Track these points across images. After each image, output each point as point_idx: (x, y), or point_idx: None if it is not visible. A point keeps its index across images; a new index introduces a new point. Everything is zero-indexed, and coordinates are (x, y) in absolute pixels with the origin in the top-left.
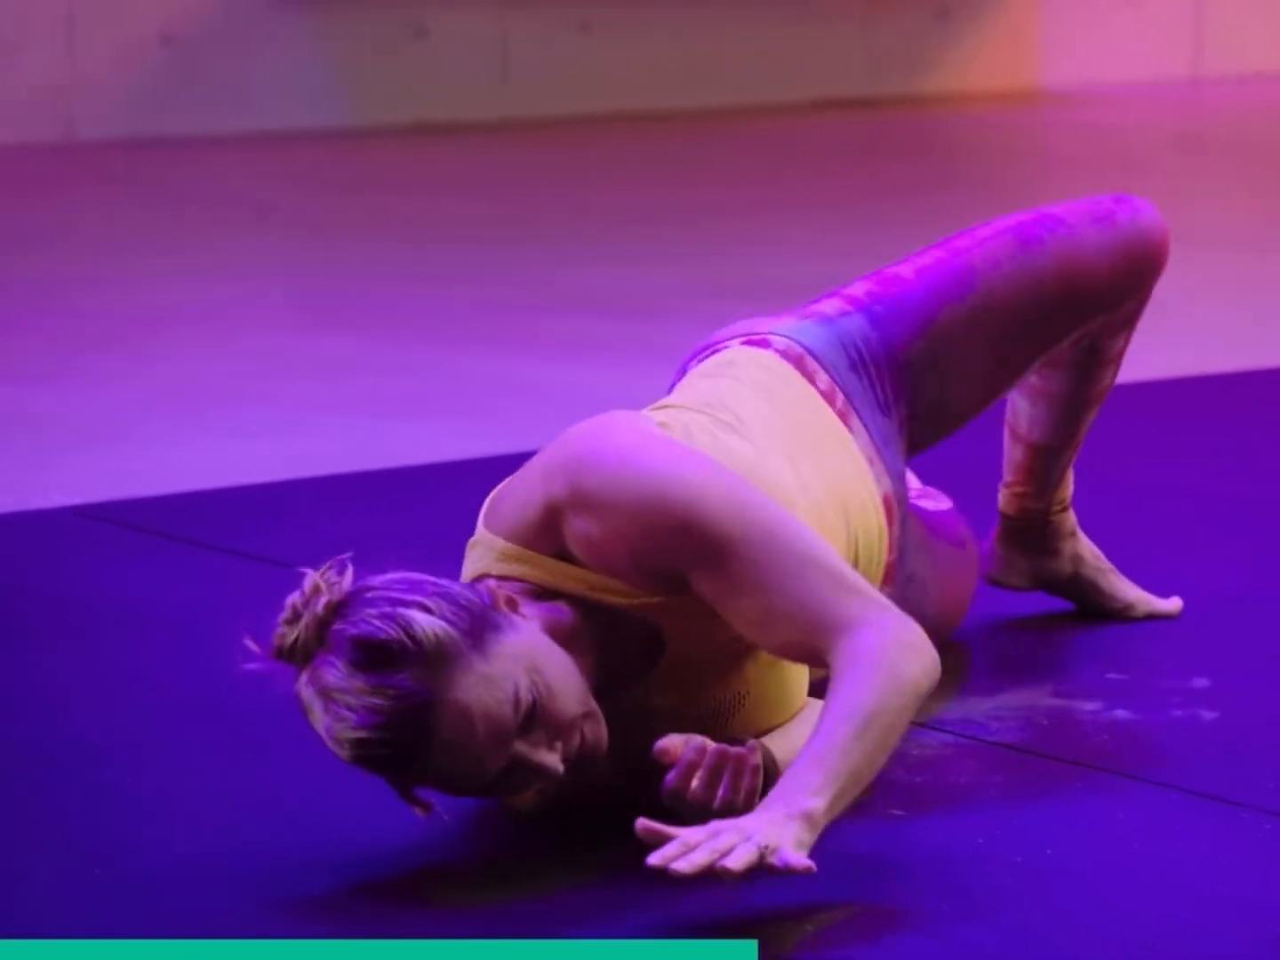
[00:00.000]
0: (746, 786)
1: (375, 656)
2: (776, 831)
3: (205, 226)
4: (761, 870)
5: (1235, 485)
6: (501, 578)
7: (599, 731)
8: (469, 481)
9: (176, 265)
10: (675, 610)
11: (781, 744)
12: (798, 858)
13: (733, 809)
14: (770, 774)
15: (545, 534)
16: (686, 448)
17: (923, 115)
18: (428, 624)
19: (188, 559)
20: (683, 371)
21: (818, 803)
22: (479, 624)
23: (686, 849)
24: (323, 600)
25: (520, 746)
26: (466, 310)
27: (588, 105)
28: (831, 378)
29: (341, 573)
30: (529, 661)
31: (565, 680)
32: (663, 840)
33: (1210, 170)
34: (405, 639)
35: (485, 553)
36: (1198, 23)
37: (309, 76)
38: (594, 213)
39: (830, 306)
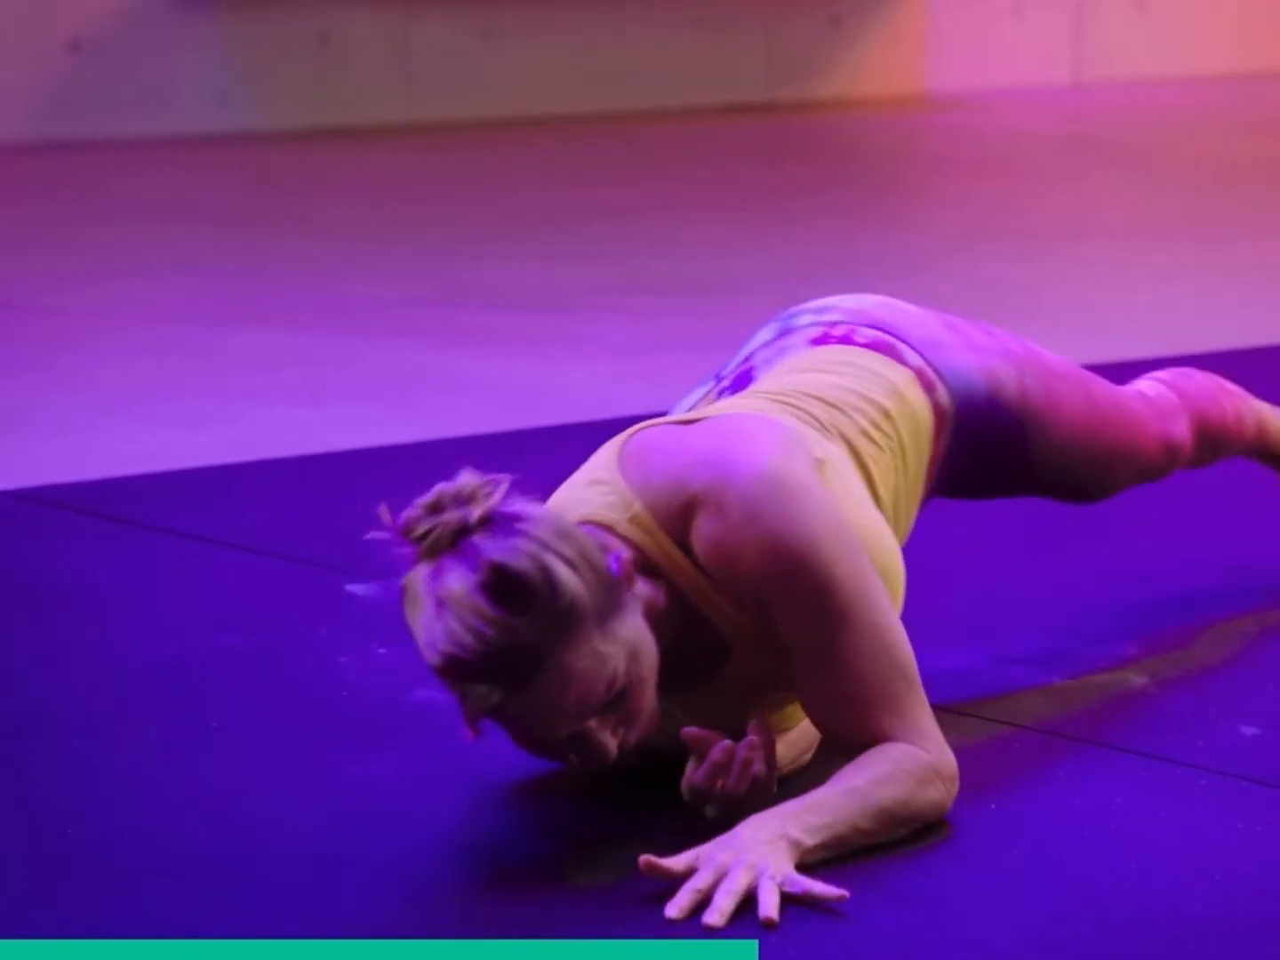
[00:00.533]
0: (755, 775)
1: (509, 590)
2: (780, 861)
3: (119, 226)
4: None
5: None
6: (624, 538)
7: (652, 726)
8: (400, 464)
9: (94, 265)
10: (749, 638)
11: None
12: (826, 888)
13: (744, 799)
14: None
15: (678, 518)
16: (831, 505)
17: (817, 119)
18: (569, 582)
19: (128, 540)
20: (787, 332)
21: (810, 843)
22: (608, 598)
23: (701, 896)
24: (476, 511)
25: (593, 724)
26: (386, 305)
27: (490, 110)
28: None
29: (497, 489)
30: (633, 648)
31: (653, 674)
32: (665, 875)
33: (1090, 168)
34: (545, 588)
35: (618, 506)
36: (1078, 31)
37: (215, 81)
38: (502, 213)
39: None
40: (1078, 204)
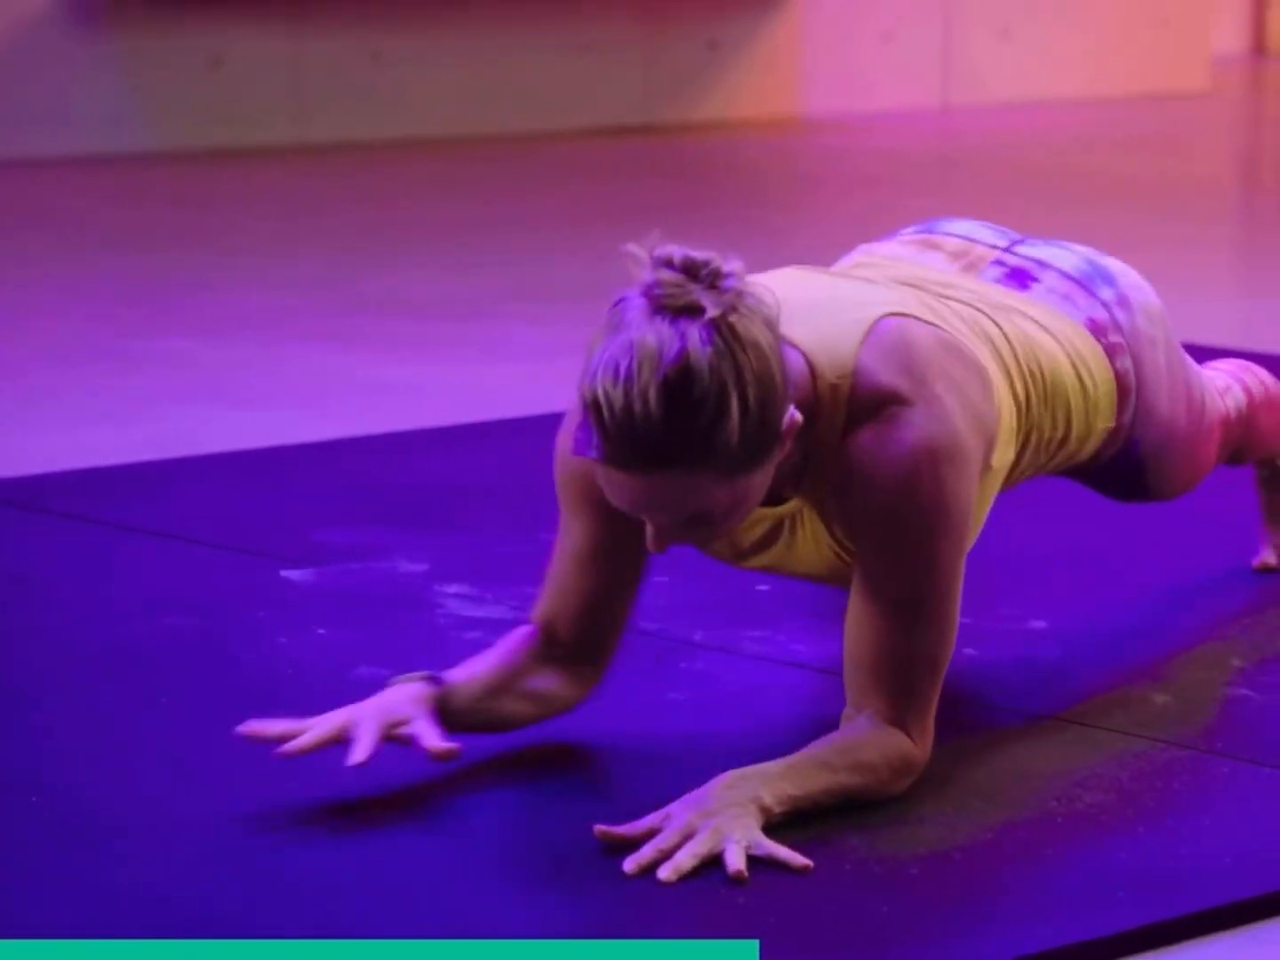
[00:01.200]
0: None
1: (682, 398)
2: (747, 824)
3: (18, 239)
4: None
5: None
6: (816, 393)
7: (709, 544)
8: (318, 460)
9: (2, 277)
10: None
11: None
12: (791, 854)
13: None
14: None
15: (861, 413)
16: (970, 497)
17: (695, 140)
18: (733, 425)
19: (70, 531)
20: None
21: (777, 811)
22: (755, 454)
23: (663, 854)
24: (717, 309)
25: (663, 522)
26: (292, 314)
27: (380, 131)
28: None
29: (751, 302)
30: (741, 500)
31: (742, 520)
32: (620, 842)
33: (955, 184)
34: (710, 418)
35: (836, 365)
36: (945, 57)
37: (110, 103)
38: (397, 227)
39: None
40: (943, 215)
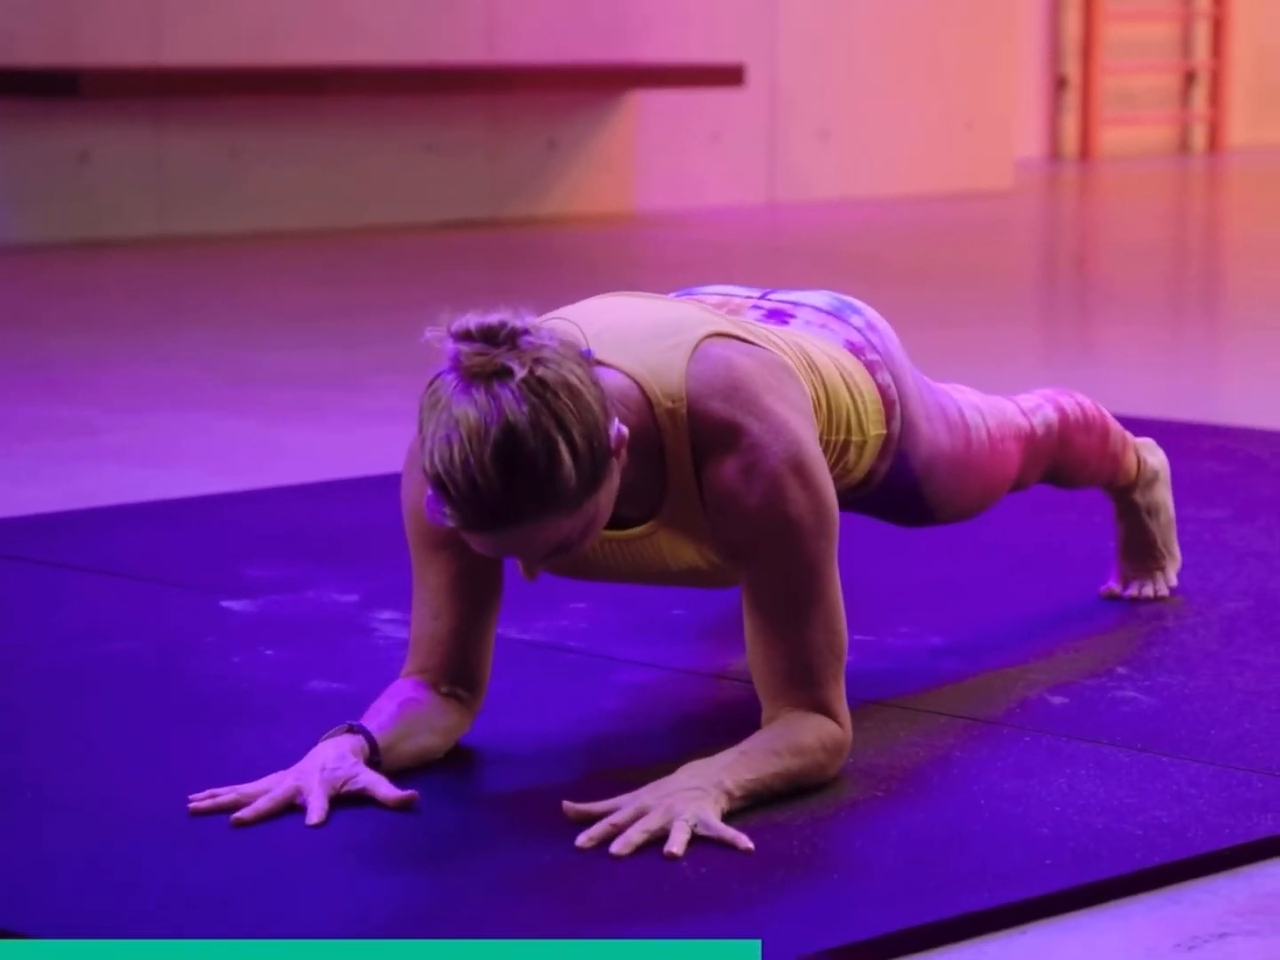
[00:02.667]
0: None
1: (512, 458)
2: (700, 806)
3: None
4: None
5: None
6: (655, 418)
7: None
8: (233, 510)
9: None
10: (681, 528)
11: None
12: (736, 834)
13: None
14: None
15: (709, 440)
16: (830, 492)
17: (537, 234)
18: (566, 469)
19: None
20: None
21: (737, 795)
22: (593, 478)
23: (616, 829)
24: (523, 368)
25: (529, 558)
26: (177, 385)
27: (239, 224)
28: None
29: (551, 354)
30: (593, 519)
31: (598, 533)
32: (590, 819)
33: (783, 271)
34: (543, 470)
35: (668, 393)
36: (770, 157)
37: None
38: (260, 311)
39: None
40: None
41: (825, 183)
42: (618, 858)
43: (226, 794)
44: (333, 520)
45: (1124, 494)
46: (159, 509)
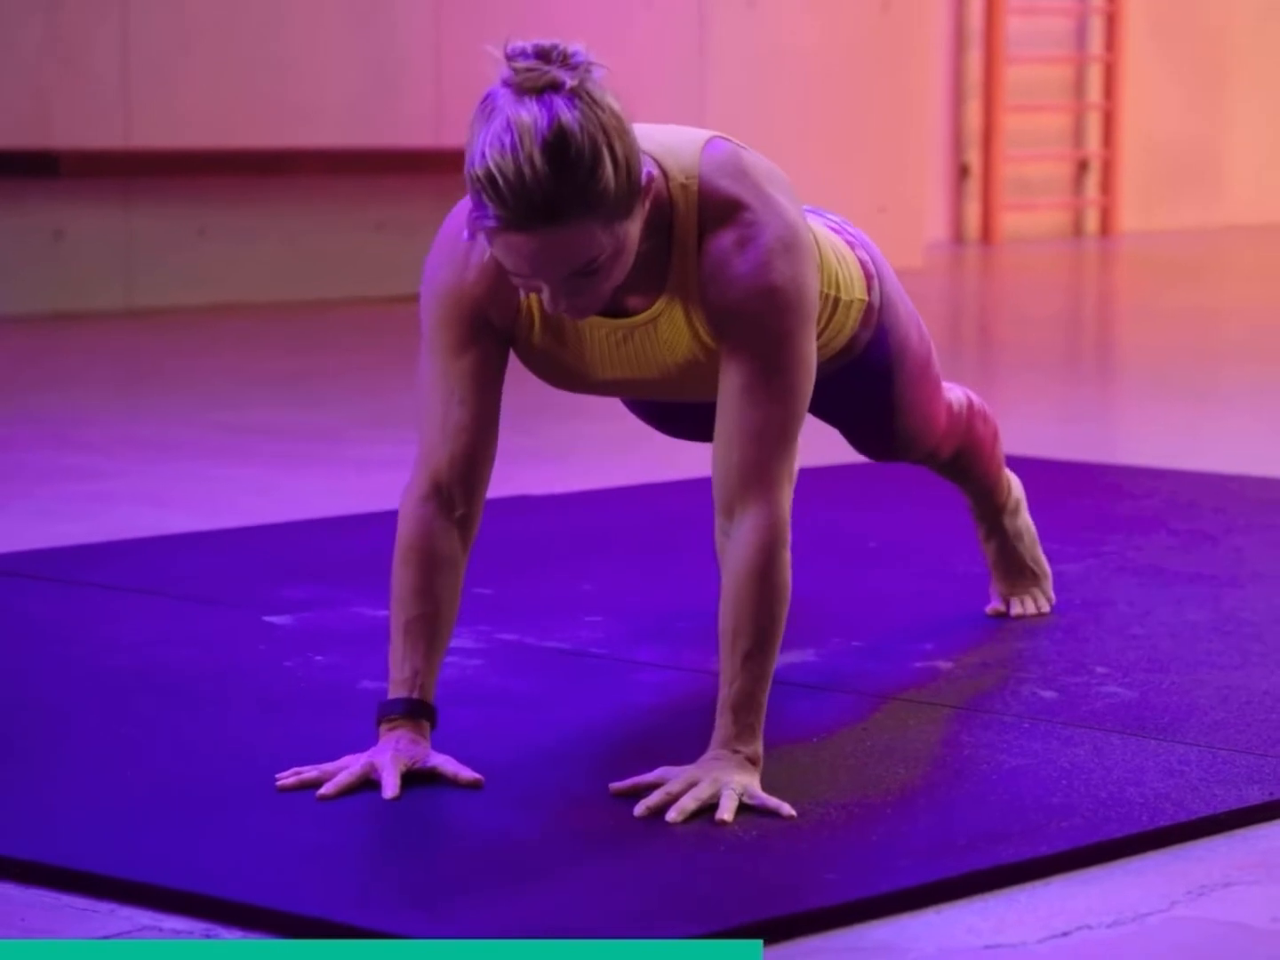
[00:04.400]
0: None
1: (562, 154)
2: (744, 777)
3: None
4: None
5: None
6: (668, 190)
7: (589, 312)
8: (256, 541)
9: None
10: (682, 318)
11: None
12: (779, 802)
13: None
14: None
15: (713, 214)
16: (815, 283)
17: None
18: (608, 173)
19: (57, 591)
20: None
21: (755, 747)
22: (627, 202)
23: (670, 798)
24: (573, 79)
25: (554, 282)
26: (172, 438)
27: (205, 298)
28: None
29: (596, 71)
30: (620, 247)
31: (620, 275)
32: (638, 792)
33: None
34: (588, 167)
35: (684, 168)
36: None
37: None
38: (226, 376)
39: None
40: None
41: None
42: (673, 824)
43: (309, 772)
44: (349, 548)
45: (994, 516)
46: (186, 540)
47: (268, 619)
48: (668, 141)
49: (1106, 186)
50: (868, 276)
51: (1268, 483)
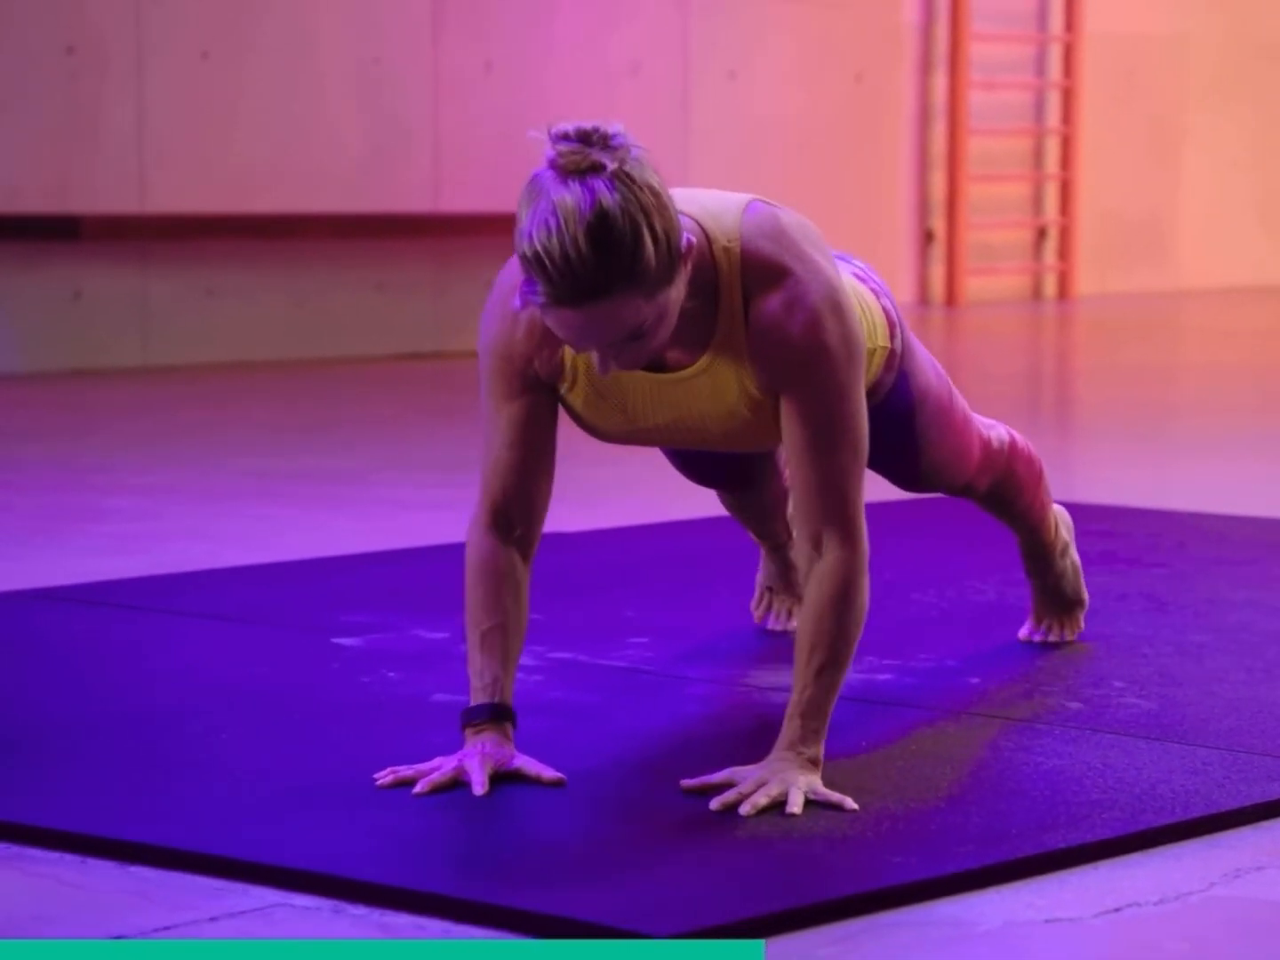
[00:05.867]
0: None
1: (604, 236)
2: (809, 776)
3: None
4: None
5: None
6: (712, 257)
7: (635, 366)
8: (308, 573)
9: None
10: (726, 378)
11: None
12: (843, 797)
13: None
14: None
15: (757, 278)
16: (861, 336)
17: (471, 365)
18: (649, 251)
19: (129, 618)
20: None
21: (817, 750)
22: (668, 272)
23: (742, 796)
24: (614, 163)
25: (606, 345)
26: (192, 483)
27: (215, 355)
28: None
29: (636, 152)
30: (663, 313)
31: (664, 337)
32: (708, 791)
33: None
34: (629, 248)
35: (726, 231)
36: None
37: None
38: (243, 426)
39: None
40: None
41: None
42: (747, 817)
43: (405, 771)
44: (398, 578)
45: (1041, 556)
46: (245, 572)
47: (336, 640)
48: (710, 206)
49: (1064, 252)
50: (890, 324)
51: (1228, 520)
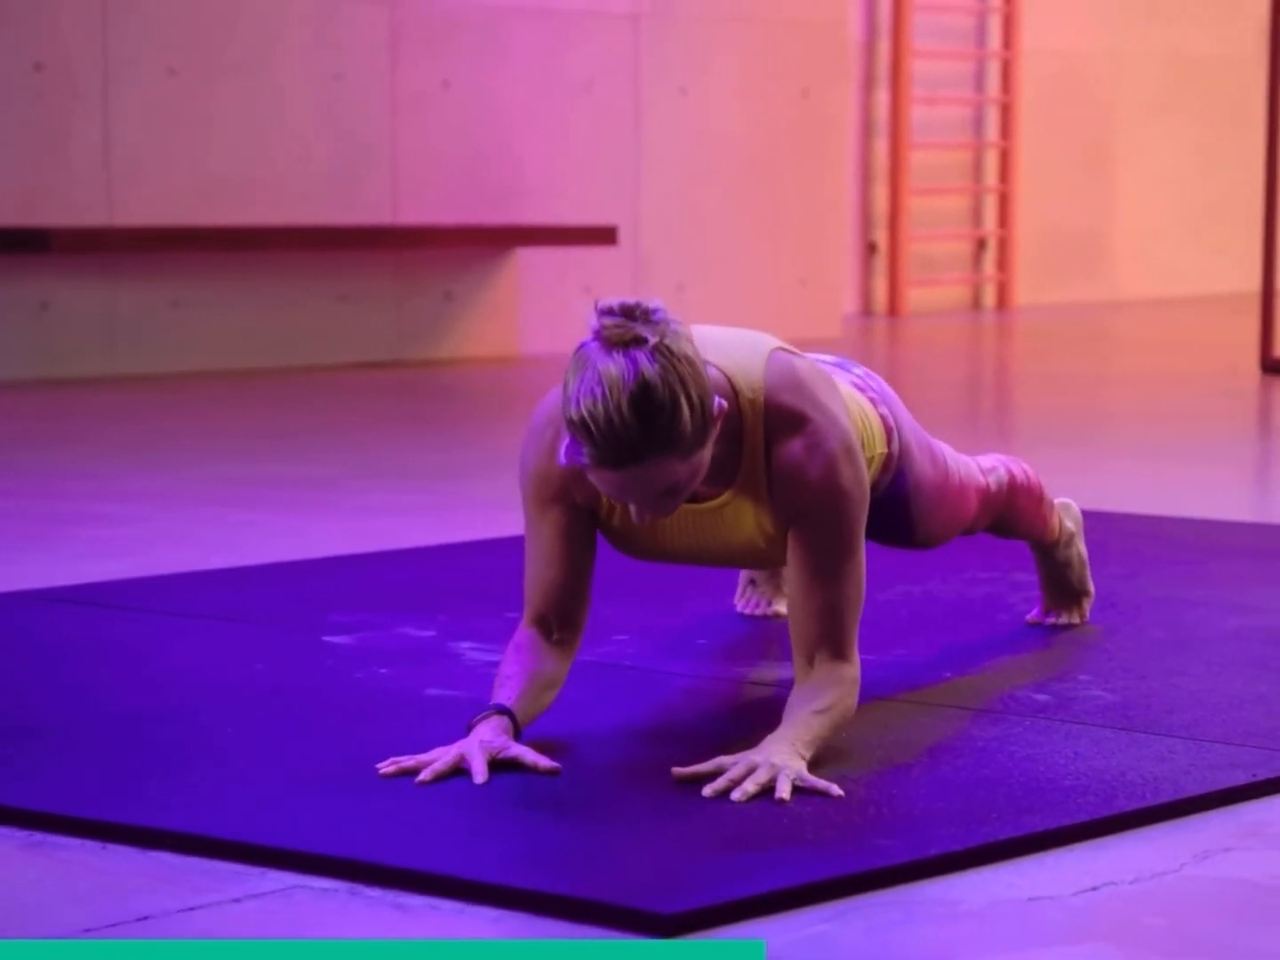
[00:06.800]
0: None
1: (645, 406)
2: (796, 764)
3: None
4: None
5: None
6: (738, 406)
7: (672, 512)
8: (291, 575)
9: None
10: (745, 509)
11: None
12: (829, 784)
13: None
14: None
15: (779, 425)
16: (865, 478)
17: (436, 374)
18: (685, 419)
19: (130, 618)
20: None
21: (807, 755)
22: (702, 434)
23: (733, 783)
24: (655, 337)
25: (643, 499)
26: (169, 490)
27: (180, 365)
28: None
29: (675, 326)
30: (695, 470)
31: (695, 487)
32: (698, 779)
33: None
34: (669, 417)
35: (751, 385)
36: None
37: None
38: (210, 435)
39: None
40: None
41: None
42: (738, 803)
43: (407, 761)
44: (381, 580)
45: (1047, 551)
46: (232, 574)
47: (327, 639)
48: (735, 356)
49: (1003, 263)
50: (888, 430)
51: (1171, 521)
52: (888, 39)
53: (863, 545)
